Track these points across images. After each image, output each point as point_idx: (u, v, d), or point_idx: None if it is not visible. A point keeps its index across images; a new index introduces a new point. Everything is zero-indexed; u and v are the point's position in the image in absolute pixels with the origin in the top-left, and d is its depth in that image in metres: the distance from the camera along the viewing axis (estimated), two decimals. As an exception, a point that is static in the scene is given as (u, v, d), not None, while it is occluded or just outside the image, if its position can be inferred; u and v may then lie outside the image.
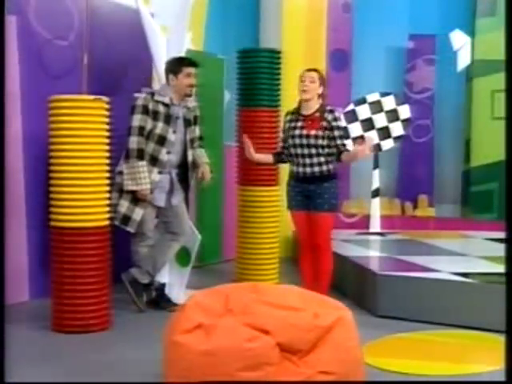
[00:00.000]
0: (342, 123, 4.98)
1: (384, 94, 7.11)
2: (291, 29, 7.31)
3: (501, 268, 5.10)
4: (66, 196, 4.60)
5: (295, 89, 5.08)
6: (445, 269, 5.16)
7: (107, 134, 4.70)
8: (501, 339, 4.12)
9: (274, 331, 3.07)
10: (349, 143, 5.06)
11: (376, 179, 7.12)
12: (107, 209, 4.72)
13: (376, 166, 7.15)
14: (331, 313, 3.27)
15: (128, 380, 3.74)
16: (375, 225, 7.06)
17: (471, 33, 8.29)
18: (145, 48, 6.26)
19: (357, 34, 8.38)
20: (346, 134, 5.00)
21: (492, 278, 4.92)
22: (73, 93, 5.55)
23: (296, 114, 5.07)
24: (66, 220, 4.61)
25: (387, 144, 7.07)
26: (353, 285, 5.48)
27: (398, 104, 7.04)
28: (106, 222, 4.71)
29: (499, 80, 8.12)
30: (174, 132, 5.12)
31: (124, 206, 5.08)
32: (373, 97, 7.11)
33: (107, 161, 4.71)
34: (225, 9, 7.68)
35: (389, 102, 7.01)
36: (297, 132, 5.00)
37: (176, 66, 5.16)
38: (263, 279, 6.10)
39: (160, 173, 5.10)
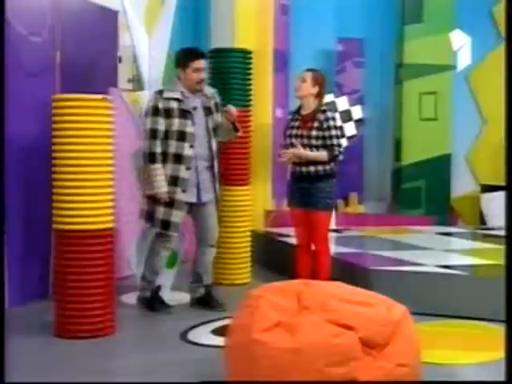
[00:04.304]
0: (337, 123, 5.11)
1: (338, 95, 7.35)
2: (242, 29, 7.37)
3: (477, 260, 5.49)
4: (71, 198, 4.47)
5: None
6: (428, 262, 5.45)
7: (111, 134, 4.61)
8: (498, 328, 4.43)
9: (356, 327, 3.17)
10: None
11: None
12: (112, 211, 4.62)
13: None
14: (396, 307, 3.43)
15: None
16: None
17: (400, 38, 8.70)
18: (113, 47, 6.20)
19: (293, 35, 8.56)
20: (340, 134, 5.13)
21: (477, 269, 5.26)
22: (48, 91, 5.42)
23: (297, 113, 5.20)
24: (71, 223, 4.48)
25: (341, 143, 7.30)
26: (341, 281, 5.63)
27: (351, 105, 7.30)
28: (111, 224, 4.61)
29: (426, 83, 8.63)
30: (193, 124, 5.02)
31: (160, 211, 5.00)
32: (328, 97, 7.32)
33: (112, 162, 4.62)
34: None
35: (342, 103, 7.26)
36: (294, 131, 5.13)
37: (184, 59, 5.10)
38: (236, 278, 6.18)
39: (188, 169, 4.99)
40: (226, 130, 5.22)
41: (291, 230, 7.11)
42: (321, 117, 5.07)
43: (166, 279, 5.44)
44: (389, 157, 8.97)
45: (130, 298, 5.45)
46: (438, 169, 8.68)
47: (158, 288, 5.27)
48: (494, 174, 8.61)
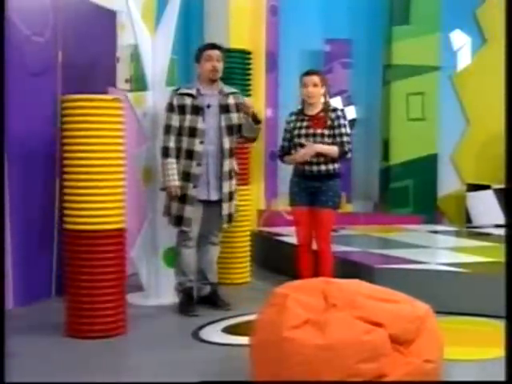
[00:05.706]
0: (346, 121, 5.20)
1: (332, 96, 7.39)
2: (235, 30, 7.41)
3: (475, 258, 5.62)
4: (82, 198, 4.46)
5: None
6: (429, 260, 5.53)
7: (122, 134, 4.61)
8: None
9: (385, 323, 3.23)
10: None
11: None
12: (123, 211, 4.62)
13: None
14: (418, 303, 3.49)
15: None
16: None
17: (388, 39, 8.80)
18: (112, 47, 6.20)
19: (281, 36, 8.60)
20: (349, 132, 5.23)
21: (479, 267, 5.37)
22: (51, 91, 5.40)
23: (300, 114, 5.25)
24: (82, 223, 4.48)
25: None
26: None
27: (345, 105, 7.36)
28: (122, 225, 4.61)
29: (413, 84, 8.75)
30: (204, 120, 5.05)
31: (174, 206, 5.07)
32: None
33: (123, 162, 4.61)
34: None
35: (336, 103, 7.30)
36: (303, 131, 5.18)
37: (198, 52, 5.20)
38: (236, 277, 6.21)
39: (198, 165, 5.04)
40: (247, 125, 5.14)
41: (285, 229, 7.22)
42: (332, 115, 5.17)
43: (166, 278, 5.44)
44: (377, 156, 9.06)
45: (135, 298, 5.44)
46: (425, 168, 8.79)
47: (189, 289, 5.24)
48: (478, 173, 8.77)
